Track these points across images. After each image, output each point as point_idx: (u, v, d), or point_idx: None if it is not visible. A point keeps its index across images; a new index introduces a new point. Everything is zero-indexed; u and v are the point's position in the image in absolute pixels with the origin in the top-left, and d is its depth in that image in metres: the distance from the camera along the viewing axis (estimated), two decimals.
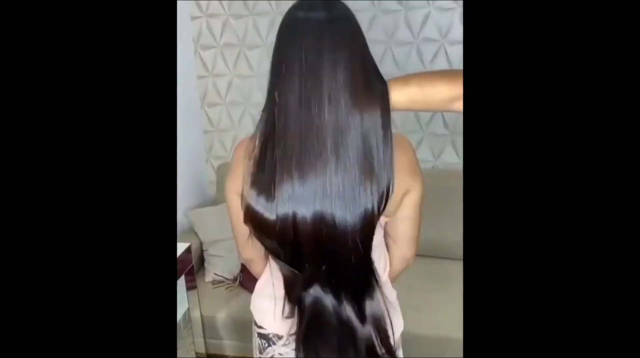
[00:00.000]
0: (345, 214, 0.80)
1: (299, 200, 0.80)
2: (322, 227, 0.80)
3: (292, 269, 0.87)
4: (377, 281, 0.89)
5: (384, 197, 0.81)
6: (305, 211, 0.80)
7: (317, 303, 0.87)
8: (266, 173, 0.81)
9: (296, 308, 0.90)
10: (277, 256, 0.88)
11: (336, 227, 0.80)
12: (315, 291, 0.87)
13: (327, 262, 0.84)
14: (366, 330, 0.87)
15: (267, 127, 0.82)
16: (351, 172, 0.78)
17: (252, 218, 0.84)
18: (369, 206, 0.80)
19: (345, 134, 0.78)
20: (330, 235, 0.81)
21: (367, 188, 0.79)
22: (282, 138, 0.79)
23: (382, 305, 0.89)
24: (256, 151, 0.84)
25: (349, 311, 0.87)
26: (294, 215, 0.81)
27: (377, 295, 0.89)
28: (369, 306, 0.88)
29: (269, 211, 0.82)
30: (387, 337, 0.89)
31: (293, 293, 0.90)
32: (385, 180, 0.80)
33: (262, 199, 0.82)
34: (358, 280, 0.87)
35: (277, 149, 0.80)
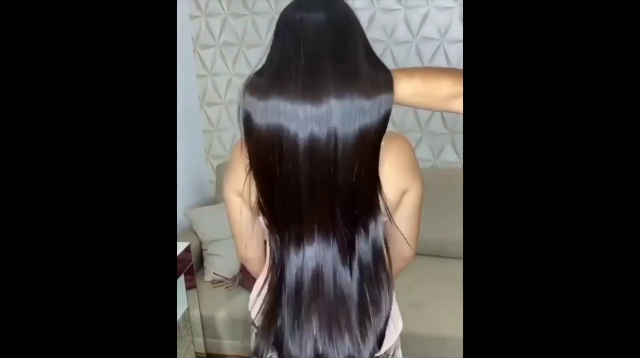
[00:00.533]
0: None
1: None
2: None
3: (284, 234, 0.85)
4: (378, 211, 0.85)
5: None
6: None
7: (308, 270, 0.85)
8: None
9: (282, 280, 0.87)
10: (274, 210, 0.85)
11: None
12: (308, 253, 0.85)
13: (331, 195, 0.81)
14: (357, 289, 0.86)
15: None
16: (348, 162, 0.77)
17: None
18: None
19: (349, 128, 0.76)
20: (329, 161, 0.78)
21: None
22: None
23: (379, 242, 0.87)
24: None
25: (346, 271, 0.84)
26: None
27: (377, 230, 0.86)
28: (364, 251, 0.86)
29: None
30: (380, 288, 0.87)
31: (282, 264, 0.87)
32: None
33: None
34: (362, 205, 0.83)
35: None
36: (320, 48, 0.76)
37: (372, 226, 0.85)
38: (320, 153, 0.77)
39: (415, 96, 0.82)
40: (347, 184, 0.79)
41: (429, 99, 0.82)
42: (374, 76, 0.78)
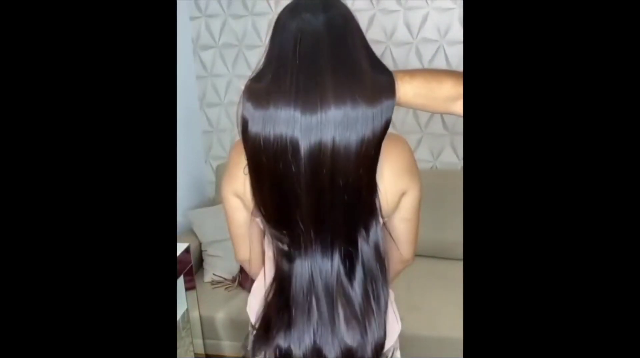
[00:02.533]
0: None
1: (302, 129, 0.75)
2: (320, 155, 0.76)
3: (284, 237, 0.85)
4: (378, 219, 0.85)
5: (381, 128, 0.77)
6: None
7: (307, 274, 0.84)
8: None
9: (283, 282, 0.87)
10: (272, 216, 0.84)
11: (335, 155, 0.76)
12: (307, 257, 0.84)
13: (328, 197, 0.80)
14: (357, 291, 0.85)
15: None
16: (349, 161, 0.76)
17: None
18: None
19: (352, 131, 0.75)
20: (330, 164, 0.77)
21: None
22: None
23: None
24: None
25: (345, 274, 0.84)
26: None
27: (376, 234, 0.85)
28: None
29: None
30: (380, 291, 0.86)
31: (284, 268, 0.86)
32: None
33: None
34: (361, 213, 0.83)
35: None
36: (319, 51, 0.75)
37: (372, 229, 0.84)
38: (319, 160, 0.76)
39: (417, 96, 0.82)
40: (347, 189, 0.78)
41: (430, 100, 0.82)
42: (375, 78, 0.77)
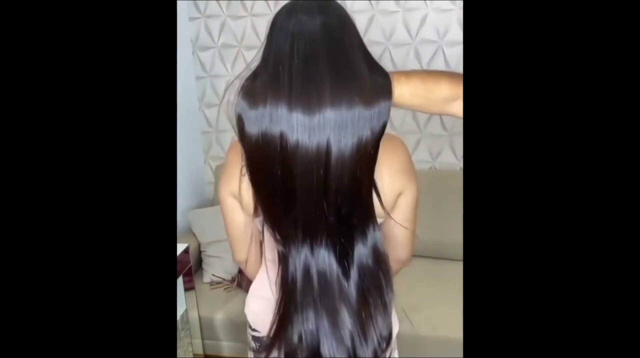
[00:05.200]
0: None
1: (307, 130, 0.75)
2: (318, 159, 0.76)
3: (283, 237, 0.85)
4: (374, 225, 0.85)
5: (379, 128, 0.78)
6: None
7: (308, 271, 0.84)
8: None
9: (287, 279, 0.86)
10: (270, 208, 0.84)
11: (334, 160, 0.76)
12: (307, 255, 0.84)
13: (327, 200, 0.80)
14: (355, 287, 0.85)
15: None
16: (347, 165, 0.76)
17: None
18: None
19: (348, 132, 0.75)
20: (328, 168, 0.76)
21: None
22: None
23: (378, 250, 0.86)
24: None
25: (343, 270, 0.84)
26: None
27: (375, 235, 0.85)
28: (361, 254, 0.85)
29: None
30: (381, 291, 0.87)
31: (286, 265, 0.86)
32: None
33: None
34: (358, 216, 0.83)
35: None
36: (315, 52, 0.75)
37: (370, 230, 0.84)
38: (316, 161, 0.75)
39: (414, 97, 0.81)
40: (343, 190, 0.78)
41: (427, 101, 0.82)
42: (372, 79, 0.77)
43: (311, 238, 0.83)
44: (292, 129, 0.74)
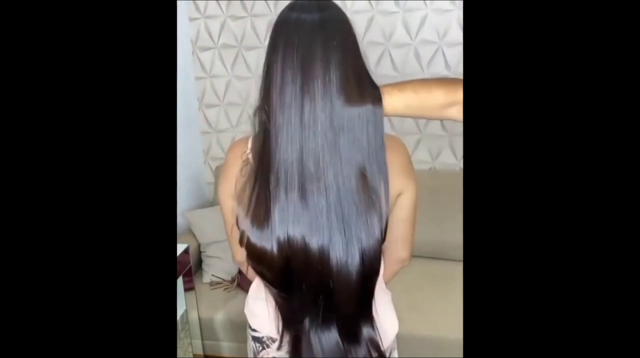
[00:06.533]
0: (346, 249, 0.80)
1: (295, 224, 0.80)
2: (321, 263, 0.80)
3: (283, 295, 0.88)
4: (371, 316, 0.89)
5: (383, 229, 0.82)
6: (302, 240, 0.80)
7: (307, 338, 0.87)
8: (260, 197, 0.81)
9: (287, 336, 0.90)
10: (271, 285, 0.88)
11: (337, 265, 0.80)
12: (306, 323, 0.87)
13: (324, 296, 0.84)
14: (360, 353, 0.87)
15: (260, 132, 0.82)
16: (349, 196, 0.79)
17: (248, 246, 0.85)
18: (371, 242, 0.80)
19: (340, 137, 0.78)
20: (329, 271, 0.81)
21: (366, 219, 0.79)
22: (276, 149, 0.79)
23: (376, 330, 0.89)
24: (249, 164, 0.84)
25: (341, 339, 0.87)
26: (291, 243, 0.80)
27: (373, 322, 0.89)
28: (365, 332, 0.88)
29: (264, 241, 0.82)
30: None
31: (288, 319, 0.90)
32: (385, 214, 0.81)
33: (256, 230, 0.82)
34: (356, 312, 0.87)
35: (272, 166, 0.80)
36: (313, 59, 0.77)
37: (369, 221, 0.84)
38: (313, 157, 0.78)
39: (409, 108, 0.82)
40: (341, 184, 0.79)
41: (422, 109, 0.82)
42: (361, 91, 0.80)
43: (312, 229, 0.83)
44: (289, 127, 0.79)
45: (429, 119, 0.89)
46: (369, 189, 0.80)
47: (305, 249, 0.80)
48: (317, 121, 0.77)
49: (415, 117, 0.87)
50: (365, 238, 0.80)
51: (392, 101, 0.81)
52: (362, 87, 0.80)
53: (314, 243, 0.80)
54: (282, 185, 0.79)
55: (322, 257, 0.80)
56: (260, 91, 0.82)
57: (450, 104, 0.80)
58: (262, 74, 0.82)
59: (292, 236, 0.80)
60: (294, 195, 0.79)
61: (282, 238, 0.81)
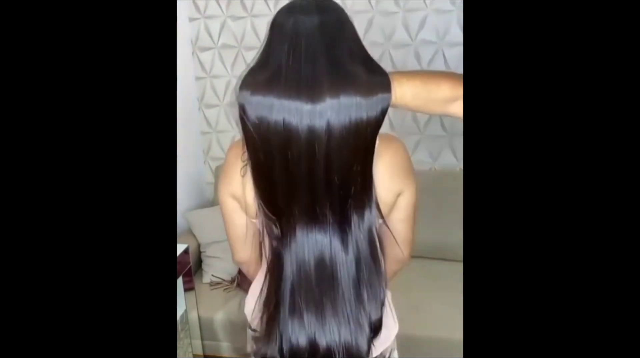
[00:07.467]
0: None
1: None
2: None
3: None
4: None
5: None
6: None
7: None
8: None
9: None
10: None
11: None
12: (304, 245, 0.87)
13: None
14: None
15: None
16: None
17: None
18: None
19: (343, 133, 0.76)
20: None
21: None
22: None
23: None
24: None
25: None
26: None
27: None
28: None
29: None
30: None
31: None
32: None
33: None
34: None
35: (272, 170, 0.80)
36: (314, 52, 0.76)
37: (366, 216, 0.84)
38: (315, 146, 0.76)
39: (415, 98, 0.82)
40: (340, 177, 0.79)
41: (428, 101, 0.82)
42: (370, 76, 0.78)
43: (312, 224, 0.84)
44: (292, 115, 0.75)
45: (430, 113, 0.88)
46: None
47: None
48: (319, 110, 0.76)
49: (417, 110, 0.86)
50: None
51: (401, 89, 0.80)
52: (371, 79, 0.78)
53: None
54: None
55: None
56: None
57: (454, 98, 0.80)
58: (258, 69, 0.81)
59: None
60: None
61: None
